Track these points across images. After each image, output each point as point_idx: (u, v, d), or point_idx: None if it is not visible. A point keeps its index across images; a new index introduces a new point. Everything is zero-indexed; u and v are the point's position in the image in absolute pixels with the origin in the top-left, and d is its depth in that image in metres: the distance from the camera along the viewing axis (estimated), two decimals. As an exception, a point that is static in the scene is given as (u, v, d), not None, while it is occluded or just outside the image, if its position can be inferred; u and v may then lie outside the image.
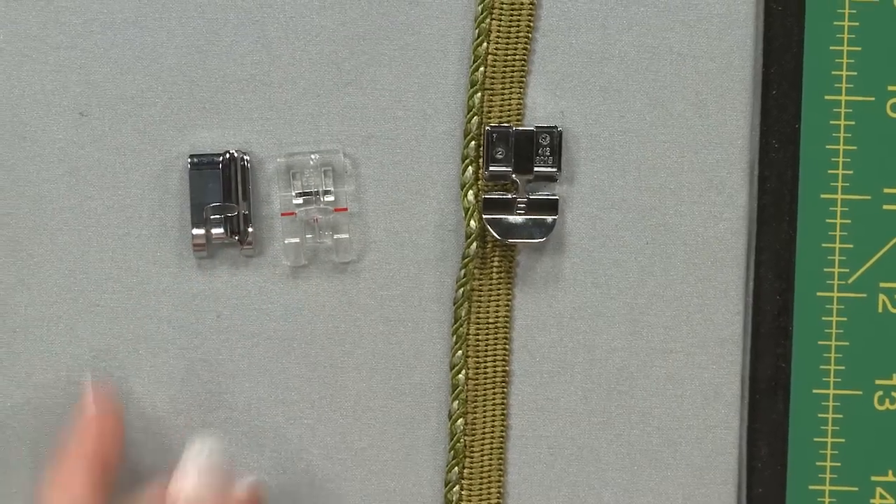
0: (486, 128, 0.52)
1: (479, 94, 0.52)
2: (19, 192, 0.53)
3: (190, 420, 0.53)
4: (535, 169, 0.52)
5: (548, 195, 0.52)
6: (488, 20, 0.52)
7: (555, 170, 0.52)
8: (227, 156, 0.52)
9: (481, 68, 0.52)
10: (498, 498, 0.54)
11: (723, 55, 0.52)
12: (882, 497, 0.53)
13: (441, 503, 0.53)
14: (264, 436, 0.53)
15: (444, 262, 0.53)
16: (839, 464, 0.53)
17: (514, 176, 0.52)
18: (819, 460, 0.53)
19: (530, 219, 0.52)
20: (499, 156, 0.52)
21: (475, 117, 0.52)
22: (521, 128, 0.52)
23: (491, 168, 0.52)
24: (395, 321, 0.53)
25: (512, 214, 0.52)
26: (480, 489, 0.53)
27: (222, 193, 0.52)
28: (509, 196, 0.52)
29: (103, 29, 0.52)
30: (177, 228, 0.53)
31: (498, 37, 0.52)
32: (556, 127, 0.52)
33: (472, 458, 0.53)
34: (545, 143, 0.52)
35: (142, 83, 0.52)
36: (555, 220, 0.52)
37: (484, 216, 0.52)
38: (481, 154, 0.52)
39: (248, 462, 0.53)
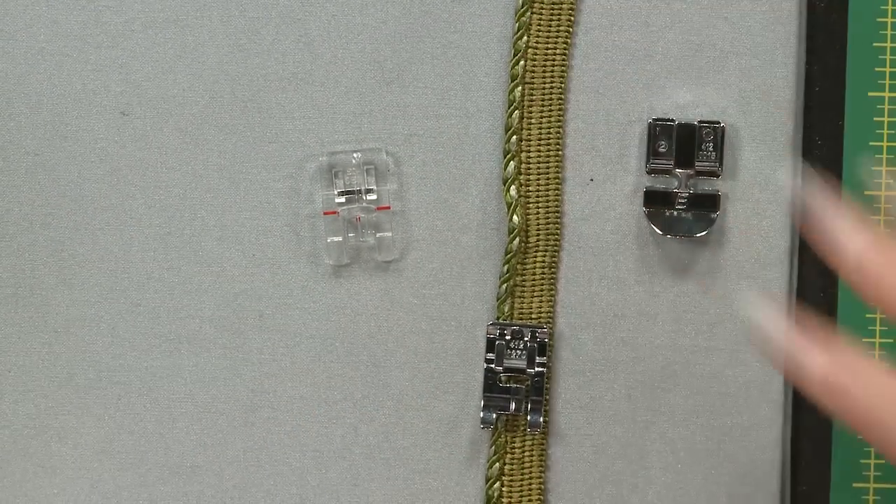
0: (649, 120, 0.52)
1: (519, 88, 0.52)
2: (61, 192, 0.53)
3: (232, 419, 0.53)
4: (697, 164, 0.52)
5: (710, 190, 0.52)
6: (528, 14, 0.52)
7: (717, 165, 0.52)
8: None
9: (521, 62, 0.52)
10: (539, 494, 0.53)
11: (766, 52, 0.52)
12: (926, 494, 0.53)
13: (483, 501, 0.53)
14: (307, 435, 0.53)
15: (486, 258, 0.53)
16: (884, 461, 0.53)
17: (676, 170, 0.52)
18: (863, 458, 0.53)
19: (691, 213, 0.52)
20: (661, 149, 0.52)
21: (516, 111, 0.52)
22: (684, 122, 0.52)
23: (653, 161, 0.52)
24: (437, 319, 0.53)
25: (673, 208, 0.52)
26: (521, 485, 0.53)
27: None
28: (672, 189, 0.52)
29: (144, 28, 0.52)
30: (218, 227, 0.53)
31: (538, 30, 0.52)
32: (718, 122, 0.52)
33: (512, 454, 0.53)
34: (709, 139, 0.52)
35: (183, 82, 0.52)
36: (717, 214, 0.52)
37: (644, 208, 0.52)
38: (524, 149, 0.52)
39: (291, 461, 0.53)
